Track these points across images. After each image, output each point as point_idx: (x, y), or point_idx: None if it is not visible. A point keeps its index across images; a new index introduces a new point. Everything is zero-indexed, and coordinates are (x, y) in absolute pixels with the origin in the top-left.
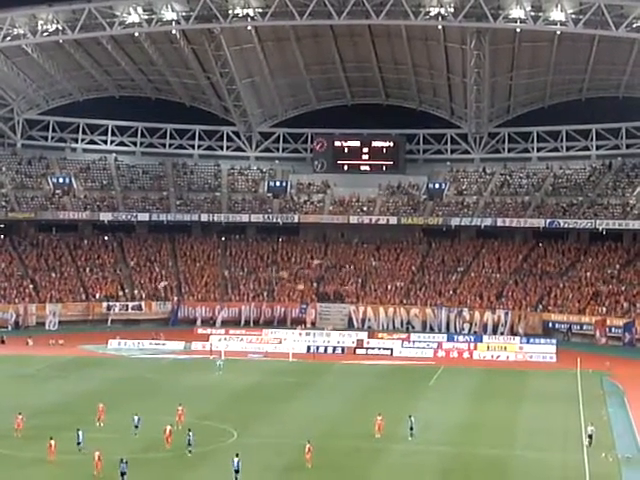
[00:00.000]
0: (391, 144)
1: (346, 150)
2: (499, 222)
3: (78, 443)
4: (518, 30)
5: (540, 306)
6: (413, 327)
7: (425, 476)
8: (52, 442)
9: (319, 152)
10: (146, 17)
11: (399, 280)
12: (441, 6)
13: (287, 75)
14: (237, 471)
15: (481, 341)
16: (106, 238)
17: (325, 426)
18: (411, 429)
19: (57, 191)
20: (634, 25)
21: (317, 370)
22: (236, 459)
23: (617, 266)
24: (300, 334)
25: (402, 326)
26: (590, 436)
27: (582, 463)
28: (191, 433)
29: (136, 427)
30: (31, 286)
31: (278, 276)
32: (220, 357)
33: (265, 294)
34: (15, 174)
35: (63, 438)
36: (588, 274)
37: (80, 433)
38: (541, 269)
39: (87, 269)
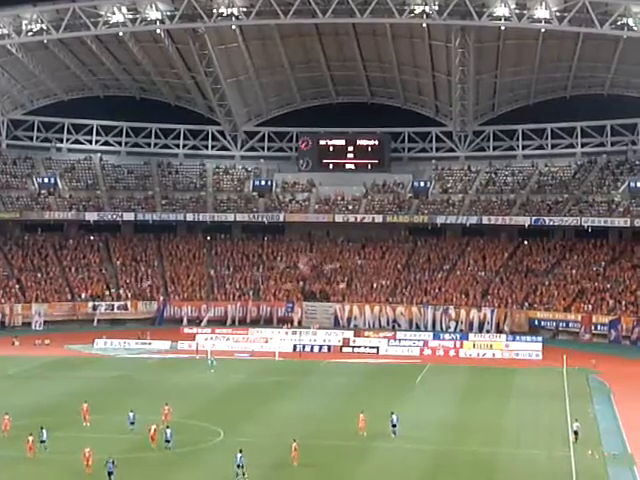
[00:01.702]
0: (376, 142)
1: (331, 149)
2: (484, 220)
3: (42, 441)
4: (503, 28)
5: (526, 304)
6: (399, 325)
7: (411, 474)
8: (30, 439)
9: (304, 151)
10: (130, 17)
11: (385, 278)
12: (426, 4)
13: (272, 74)
14: (240, 466)
15: (467, 339)
16: (92, 238)
17: (311, 425)
18: (393, 426)
19: (42, 191)
20: (618, 23)
21: (303, 369)
22: (239, 454)
23: (602, 263)
24: (286, 333)
25: (388, 324)
26: (576, 432)
27: (568, 460)
28: (169, 430)
29: (132, 424)
30: (17, 286)
31: (265, 275)
32: (212, 356)
33: (251, 293)
34: (0, 174)
35: (51, 438)
36: (574, 271)
37: (44, 431)
38: (527, 267)
39: (73, 269)
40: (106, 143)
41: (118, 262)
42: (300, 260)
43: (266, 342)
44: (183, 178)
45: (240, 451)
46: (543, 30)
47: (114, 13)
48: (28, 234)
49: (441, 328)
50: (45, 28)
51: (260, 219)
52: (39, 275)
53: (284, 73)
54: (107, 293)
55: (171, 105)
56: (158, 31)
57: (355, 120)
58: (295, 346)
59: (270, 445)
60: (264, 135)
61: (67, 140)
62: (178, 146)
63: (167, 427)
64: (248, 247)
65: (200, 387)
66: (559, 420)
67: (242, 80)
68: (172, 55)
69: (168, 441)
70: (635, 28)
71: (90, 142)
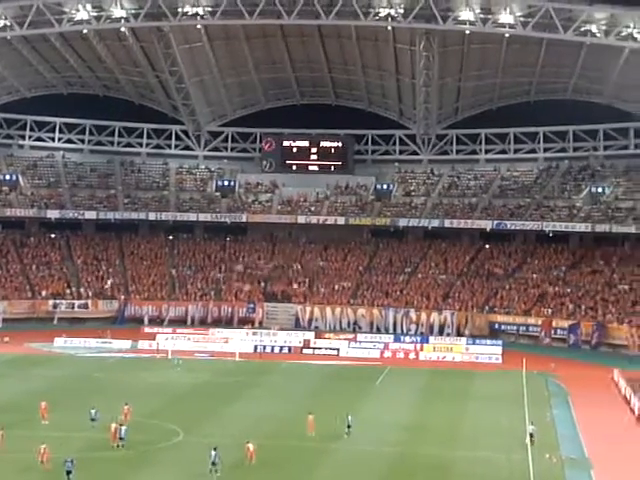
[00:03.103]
0: (340, 144)
1: (295, 150)
2: (446, 223)
3: (92, 419)
4: (467, 32)
5: (487, 307)
6: (360, 327)
7: (368, 475)
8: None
9: (268, 152)
10: (95, 14)
11: (346, 280)
12: (391, 7)
13: (236, 74)
14: (214, 463)
15: (427, 342)
16: (53, 236)
17: (270, 426)
18: (348, 427)
19: (4, 188)
20: (582, 29)
21: (264, 370)
22: (213, 452)
23: (563, 268)
24: (247, 333)
25: (349, 326)
26: (531, 435)
27: (526, 463)
28: (123, 428)
29: (93, 420)
30: None
31: (226, 276)
32: (170, 355)
33: (212, 293)
34: None
35: (9, 436)
36: (534, 276)
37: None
38: (488, 270)
39: (33, 267)
40: (69, 141)
41: (79, 260)
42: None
43: (226, 342)
44: (146, 177)
45: (214, 449)
46: (507, 35)
47: (78, 10)
48: None
49: (402, 331)
50: (9, 24)
51: (222, 219)
52: None
53: (248, 74)
54: (68, 291)
55: (135, 104)
56: (123, 29)
57: (319, 122)
58: (256, 347)
59: (229, 445)
60: (228, 135)
61: (29, 137)
62: (141, 145)
63: (121, 425)
64: (210, 247)
65: (160, 387)
66: (517, 423)
67: (206, 80)
68: (136, 54)
69: (122, 438)
70: (598, 35)
71: (53, 139)
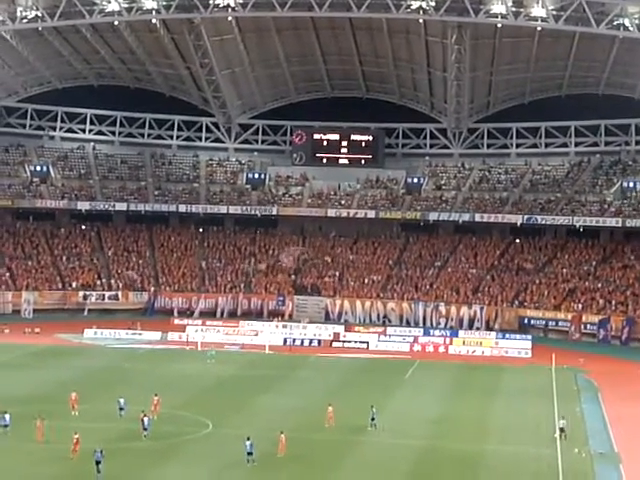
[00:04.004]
0: (370, 138)
1: (325, 143)
2: (477, 217)
3: (121, 409)
4: (499, 25)
5: (516, 302)
6: (390, 321)
7: (397, 469)
8: (39, 423)
9: (298, 145)
10: (126, 6)
11: (376, 274)
12: (422, 0)
13: (267, 67)
14: (250, 453)
15: (457, 336)
16: (83, 227)
17: (299, 418)
18: (372, 419)
19: (35, 179)
20: (614, 23)
21: (293, 363)
22: (248, 442)
23: (593, 263)
24: (277, 326)
25: (379, 320)
26: (562, 429)
27: (555, 458)
28: (146, 418)
29: (121, 409)
30: (7, 274)
31: (255, 268)
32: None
33: (242, 286)
34: None
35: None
36: (564, 270)
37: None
38: (518, 265)
39: (64, 258)
40: (99, 132)
41: (109, 252)
42: (284, 253)
43: (256, 335)
44: (176, 169)
45: (248, 439)
46: (539, 28)
47: (110, 2)
48: (20, 222)
49: (431, 324)
50: (40, 15)
51: (253, 212)
52: (30, 263)
53: (279, 66)
54: (98, 283)
55: (165, 95)
56: (154, 21)
57: (350, 115)
58: (285, 340)
59: (258, 437)
60: (258, 128)
61: (60, 128)
62: (172, 137)
63: (145, 415)
64: (240, 240)
65: (190, 378)
66: (546, 418)
67: (237, 72)
68: (167, 45)
69: (146, 429)
70: (631, 28)
71: (83, 131)
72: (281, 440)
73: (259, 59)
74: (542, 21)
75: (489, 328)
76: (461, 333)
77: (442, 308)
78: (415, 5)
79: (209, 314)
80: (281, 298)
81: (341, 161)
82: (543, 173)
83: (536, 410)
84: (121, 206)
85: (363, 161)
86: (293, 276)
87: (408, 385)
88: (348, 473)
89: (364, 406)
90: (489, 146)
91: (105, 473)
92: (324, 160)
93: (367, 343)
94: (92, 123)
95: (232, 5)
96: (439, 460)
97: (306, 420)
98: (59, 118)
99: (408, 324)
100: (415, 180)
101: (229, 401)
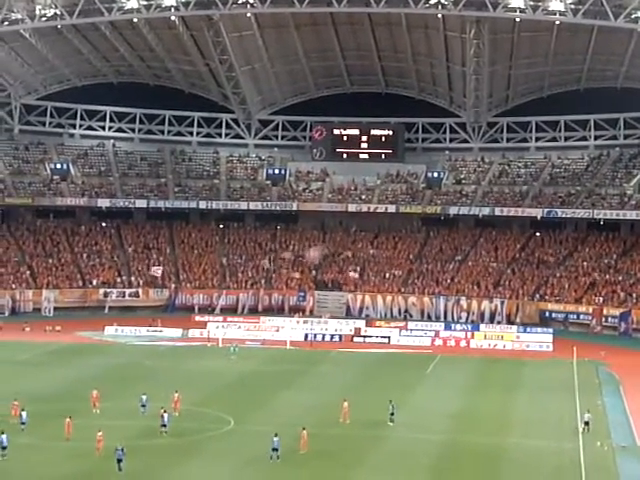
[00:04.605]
0: (390, 132)
1: (345, 138)
2: (497, 211)
3: (143, 406)
4: (517, 19)
5: (537, 295)
6: (411, 315)
7: (419, 463)
8: (68, 421)
9: (318, 140)
10: (145, 3)
11: (397, 268)
12: None
13: (286, 63)
14: (275, 449)
15: (478, 330)
16: (104, 224)
17: (320, 414)
18: (391, 414)
19: (55, 177)
20: (632, 16)
21: (314, 358)
22: (275, 439)
23: (614, 256)
24: (298, 322)
25: (400, 314)
26: (587, 423)
27: (577, 451)
28: (166, 415)
29: (143, 406)
30: (28, 272)
31: (282, 257)
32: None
33: (263, 282)
34: (12, 159)
35: (60, 425)
36: (585, 264)
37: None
38: (538, 258)
39: (84, 255)
40: (119, 130)
41: (130, 249)
42: (309, 250)
43: (277, 331)
44: (196, 166)
45: (275, 435)
46: (557, 22)
47: None
48: (40, 220)
49: (452, 319)
50: (59, 13)
51: (273, 208)
52: (50, 261)
53: (298, 62)
54: (118, 280)
55: (185, 92)
56: (172, 18)
57: (369, 110)
58: (306, 335)
59: (280, 434)
60: (278, 124)
61: (80, 126)
62: (192, 134)
63: (164, 411)
64: (261, 236)
65: (211, 375)
66: (568, 412)
67: (256, 68)
68: (186, 42)
69: (164, 425)
70: None
71: (103, 128)
72: (303, 436)
73: (278, 55)
74: (560, 15)
75: (510, 322)
76: (482, 327)
77: (463, 302)
78: (434, 0)
79: (230, 310)
80: (302, 294)
81: (361, 156)
82: (563, 167)
83: (558, 404)
84: (141, 203)
85: (383, 156)
86: (314, 272)
87: (429, 380)
88: (371, 469)
89: (385, 401)
90: (508, 140)
91: (126, 470)
92: (344, 155)
93: (388, 338)
94: (112, 120)
95: (251, 1)
96: (461, 454)
97: (327, 416)
98: (79, 116)
99: (429, 318)
100: (435, 174)
101: (250, 397)
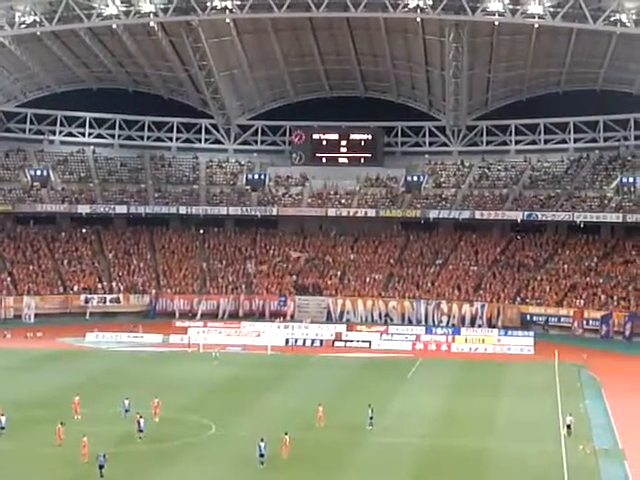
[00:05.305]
0: (369, 136)
1: (324, 142)
2: (477, 215)
3: (127, 411)
4: (496, 23)
5: (518, 298)
6: (391, 320)
7: (401, 468)
8: (59, 427)
9: (297, 145)
10: (124, 9)
11: (377, 273)
12: None
13: (265, 68)
14: (262, 455)
15: (459, 334)
16: (84, 231)
17: (302, 419)
18: (371, 418)
19: (35, 183)
20: (611, 18)
21: (295, 363)
22: (262, 444)
23: (595, 259)
24: (278, 327)
25: (380, 319)
26: (569, 426)
27: (559, 455)
28: (142, 420)
29: (127, 411)
30: (8, 279)
31: (256, 269)
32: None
33: (243, 287)
34: None
35: (43, 431)
36: (566, 267)
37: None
38: (519, 262)
39: (65, 262)
40: (99, 136)
41: (110, 255)
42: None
43: (258, 336)
44: (176, 171)
45: (262, 440)
46: (536, 26)
47: (107, 5)
48: (20, 226)
49: (433, 322)
50: (38, 20)
51: (253, 213)
52: (31, 267)
53: (278, 67)
54: (99, 286)
55: (164, 98)
56: (152, 24)
57: (348, 114)
58: (287, 340)
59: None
60: (257, 129)
61: (60, 132)
62: (171, 139)
63: (140, 417)
64: (241, 241)
65: (192, 380)
66: (550, 415)
67: (235, 74)
68: (165, 48)
69: (141, 431)
70: (628, 24)
71: (83, 135)
72: (285, 441)
73: (257, 60)
74: (539, 18)
75: (491, 325)
76: (463, 331)
77: (444, 306)
78: (412, 4)
79: (211, 316)
80: (283, 298)
81: (341, 160)
82: (542, 169)
83: (540, 407)
84: (121, 209)
85: (362, 160)
86: (294, 276)
87: (411, 384)
88: (354, 474)
89: (366, 405)
90: (488, 143)
91: (108, 476)
92: (324, 160)
93: (369, 342)
94: (91, 126)
95: (230, 7)
96: (443, 458)
97: (308, 421)
98: (58, 122)
99: (410, 322)
100: (415, 178)
101: (231, 403)
